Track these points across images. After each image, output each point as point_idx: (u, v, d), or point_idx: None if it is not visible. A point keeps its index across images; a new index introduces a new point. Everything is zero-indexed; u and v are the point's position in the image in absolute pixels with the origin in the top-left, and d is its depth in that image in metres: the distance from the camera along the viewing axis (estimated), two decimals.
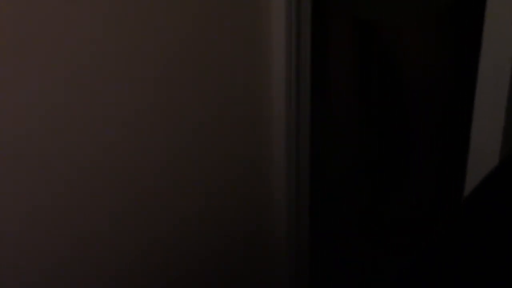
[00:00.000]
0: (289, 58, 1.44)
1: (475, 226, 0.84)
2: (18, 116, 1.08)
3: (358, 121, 2.15)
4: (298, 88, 1.49)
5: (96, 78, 1.15)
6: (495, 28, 1.08)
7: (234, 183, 1.51)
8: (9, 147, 1.08)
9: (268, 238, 1.67)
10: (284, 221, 1.64)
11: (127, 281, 1.39)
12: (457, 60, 2.23)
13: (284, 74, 1.45)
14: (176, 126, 1.33)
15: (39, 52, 1.06)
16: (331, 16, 1.94)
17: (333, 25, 1.95)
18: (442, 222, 2.16)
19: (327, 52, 1.99)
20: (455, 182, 2.38)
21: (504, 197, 0.86)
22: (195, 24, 1.27)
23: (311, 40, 1.49)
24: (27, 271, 1.20)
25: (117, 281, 1.36)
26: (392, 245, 2.17)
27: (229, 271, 1.63)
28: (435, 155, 2.21)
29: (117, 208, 1.29)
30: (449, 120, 2.24)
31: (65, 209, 1.20)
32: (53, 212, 1.19)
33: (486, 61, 1.12)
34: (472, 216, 0.85)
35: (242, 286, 1.68)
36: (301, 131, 1.56)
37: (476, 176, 1.24)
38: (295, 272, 1.74)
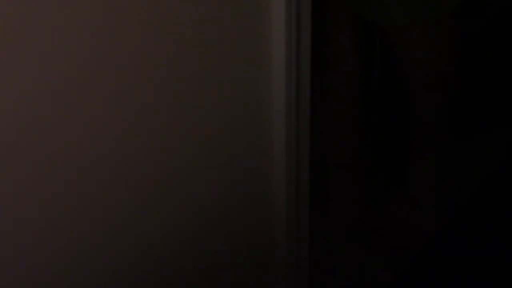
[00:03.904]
0: (289, 58, 1.44)
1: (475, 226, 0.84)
2: (17, 116, 1.07)
3: (359, 122, 2.15)
4: (298, 88, 1.49)
5: (96, 78, 1.15)
6: None
7: (234, 183, 1.51)
8: (8, 147, 1.08)
9: (267, 238, 1.67)
10: (284, 221, 1.64)
11: (127, 281, 1.39)
12: (461, 62, 2.23)
13: (284, 74, 1.45)
14: (176, 126, 1.33)
15: (38, 51, 1.06)
16: (333, 15, 1.94)
17: (335, 24, 1.95)
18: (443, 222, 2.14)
19: (328, 51, 1.99)
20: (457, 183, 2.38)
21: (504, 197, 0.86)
22: (194, 23, 1.27)
23: (311, 40, 1.49)
24: (27, 271, 1.20)
25: (118, 281, 1.36)
26: (391, 247, 2.17)
27: (229, 271, 1.63)
28: (438, 156, 2.21)
29: (117, 208, 1.29)
30: (453, 121, 2.23)
31: (65, 209, 1.20)
32: (53, 212, 1.19)
33: None
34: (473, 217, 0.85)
35: (242, 286, 1.68)
36: (301, 130, 1.56)
37: None
38: (295, 272, 1.74)
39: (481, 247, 2.12)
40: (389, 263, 2.09)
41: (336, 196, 2.22)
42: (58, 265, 1.24)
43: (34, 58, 1.06)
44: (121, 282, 1.37)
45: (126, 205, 1.31)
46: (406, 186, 2.25)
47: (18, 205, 1.13)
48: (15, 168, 1.10)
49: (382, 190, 2.33)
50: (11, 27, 1.01)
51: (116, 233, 1.31)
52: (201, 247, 1.51)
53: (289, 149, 1.54)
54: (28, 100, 1.08)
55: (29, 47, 1.05)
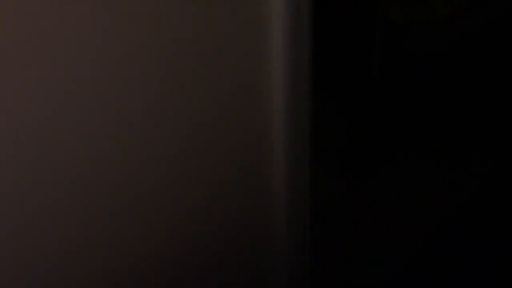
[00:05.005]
0: (289, 57, 1.44)
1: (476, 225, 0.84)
2: (17, 117, 1.07)
3: (360, 122, 2.15)
4: (298, 87, 1.49)
5: (95, 78, 1.15)
6: None
7: (233, 183, 1.51)
8: (9, 147, 1.08)
9: (267, 239, 1.67)
10: (284, 221, 1.64)
11: (127, 281, 1.39)
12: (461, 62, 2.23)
13: (284, 74, 1.45)
14: (175, 126, 1.33)
15: (37, 51, 1.06)
16: (332, 13, 1.94)
17: (334, 22, 1.95)
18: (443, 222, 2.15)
19: (329, 50, 1.99)
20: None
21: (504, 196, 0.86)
22: (194, 23, 1.27)
23: (311, 39, 1.49)
24: (27, 271, 1.20)
25: (117, 281, 1.36)
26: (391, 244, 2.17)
27: (228, 271, 1.63)
28: (439, 157, 2.21)
29: (117, 208, 1.29)
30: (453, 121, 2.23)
31: (64, 208, 1.20)
32: (52, 212, 1.19)
33: None
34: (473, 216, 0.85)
35: (241, 286, 1.68)
36: (301, 130, 1.56)
37: None
38: (295, 272, 1.74)
39: (481, 247, 2.12)
40: (389, 262, 2.09)
41: (337, 196, 2.22)
42: (58, 265, 1.24)
43: (33, 57, 1.06)
44: (121, 282, 1.37)
45: (126, 205, 1.31)
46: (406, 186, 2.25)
47: (18, 205, 1.13)
48: (15, 168, 1.10)
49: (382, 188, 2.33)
50: (10, 27, 1.01)
51: (116, 233, 1.31)
52: (201, 247, 1.51)
53: (289, 149, 1.54)
54: (27, 100, 1.08)
55: (28, 46, 1.05)
